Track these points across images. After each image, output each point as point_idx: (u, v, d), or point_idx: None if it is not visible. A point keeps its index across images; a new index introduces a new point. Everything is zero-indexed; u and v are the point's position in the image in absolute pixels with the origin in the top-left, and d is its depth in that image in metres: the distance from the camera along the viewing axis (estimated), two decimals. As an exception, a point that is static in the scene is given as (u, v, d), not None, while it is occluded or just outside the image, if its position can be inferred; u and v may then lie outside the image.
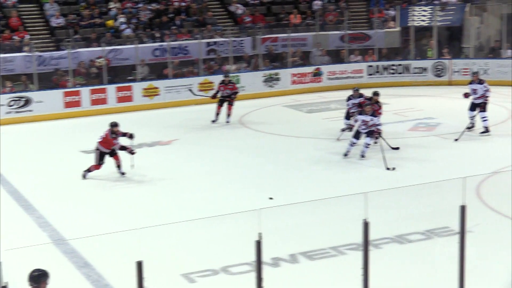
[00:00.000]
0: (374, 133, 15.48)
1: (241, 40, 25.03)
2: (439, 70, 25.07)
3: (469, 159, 15.40)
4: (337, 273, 9.63)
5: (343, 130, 17.16)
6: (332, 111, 21.16)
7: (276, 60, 25.22)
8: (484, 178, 13.32)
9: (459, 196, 6.59)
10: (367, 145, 15.49)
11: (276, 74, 24.21)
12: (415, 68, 25.27)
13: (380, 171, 14.60)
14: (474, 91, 17.62)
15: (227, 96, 19.82)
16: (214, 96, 20.01)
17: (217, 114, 19.80)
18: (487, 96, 17.54)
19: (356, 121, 15.78)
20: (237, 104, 20.08)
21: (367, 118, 15.44)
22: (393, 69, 25.29)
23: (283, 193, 13.12)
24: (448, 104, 21.73)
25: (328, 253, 10.15)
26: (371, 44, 25.98)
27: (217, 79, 22.85)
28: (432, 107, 21.02)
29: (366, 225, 6.42)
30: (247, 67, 24.30)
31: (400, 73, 25.21)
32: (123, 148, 14.65)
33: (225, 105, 19.77)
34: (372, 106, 15.82)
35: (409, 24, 26.10)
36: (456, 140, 16.82)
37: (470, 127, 17.53)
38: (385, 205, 11.27)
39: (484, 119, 17.48)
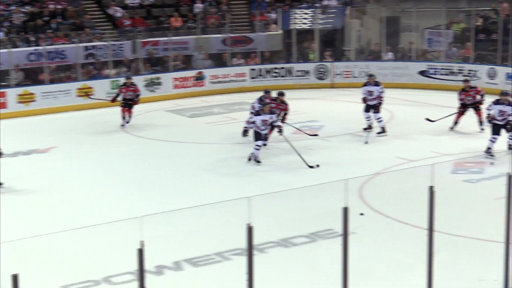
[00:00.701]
0: (270, 133, 15.79)
1: (121, 44, 24.74)
2: (321, 73, 25.58)
3: (352, 160, 15.75)
4: (222, 279, 9.66)
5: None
6: (215, 116, 21.23)
7: (157, 64, 25.07)
8: (367, 179, 13.67)
9: (342, 198, 6.74)
10: (262, 145, 15.62)
11: (158, 78, 24.08)
12: (297, 71, 25.67)
13: (264, 174, 14.75)
14: (370, 93, 18.05)
15: (130, 99, 19.66)
16: (114, 100, 19.77)
17: (123, 117, 19.59)
18: (382, 97, 18.04)
19: (252, 123, 15.75)
20: (117, 109, 19.84)
21: (266, 117, 15.61)
22: (275, 72, 25.61)
23: (166, 200, 13.06)
24: (331, 106, 22.21)
25: (212, 259, 10.17)
26: (253, 47, 26.23)
27: (96, 84, 22.56)
28: (315, 110, 21.41)
29: (250, 229, 6.46)
30: (127, 72, 24.04)
31: (282, 76, 25.56)
32: None
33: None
34: (270, 106, 16.08)
35: (291, 27, 26.49)
36: (366, 143, 17.18)
37: (367, 128, 17.94)
38: (269, 209, 11.41)
39: (379, 120, 17.96)
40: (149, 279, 6.51)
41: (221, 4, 27.93)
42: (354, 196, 12.26)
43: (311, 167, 15.04)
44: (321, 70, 25.61)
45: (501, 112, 15.62)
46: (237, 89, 24.95)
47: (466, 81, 18.65)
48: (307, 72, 25.63)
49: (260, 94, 17.73)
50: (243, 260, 6.65)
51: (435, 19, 25.78)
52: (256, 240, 6.54)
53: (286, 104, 17.26)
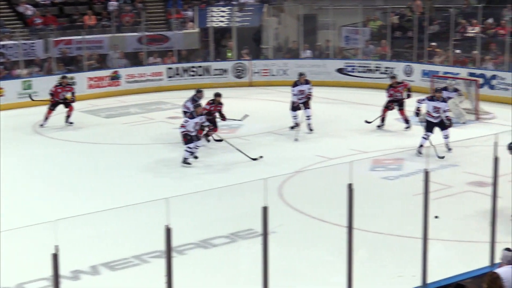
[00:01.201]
0: (200, 133, 15.76)
1: (32, 43, 24.26)
2: (239, 71, 25.65)
3: (272, 159, 15.82)
4: (140, 282, 9.59)
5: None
6: (132, 116, 21.04)
7: (71, 63, 24.67)
8: (286, 178, 13.77)
9: (262, 197, 6.77)
10: (196, 147, 15.57)
11: (72, 78, 23.65)
12: (215, 69, 25.67)
13: (200, 175, 14.71)
14: (302, 92, 18.16)
15: (66, 99, 19.48)
16: (53, 100, 19.51)
17: (46, 118, 19.31)
18: (310, 95, 18.18)
19: (183, 126, 15.62)
20: (30, 110, 19.50)
21: (198, 119, 15.59)
22: (193, 71, 25.55)
23: (82, 203, 12.84)
24: (249, 105, 22.26)
25: (130, 262, 10.09)
26: (170, 45, 26.10)
27: (6, 84, 22.06)
28: (233, 109, 21.39)
29: (168, 231, 6.43)
30: (39, 72, 23.60)
31: (200, 75, 25.52)
32: None
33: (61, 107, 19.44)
34: (201, 107, 16.14)
35: (208, 25, 26.47)
36: (296, 140, 17.39)
37: (294, 127, 18.06)
38: (188, 210, 11.36)
39: (310, 118, 18.14)
40: (64, 284, 6.41)
41: (136, 2, 27.69)
42: (273, 195, 12.34)
43: (254, 159, 15.34)
44: (239, 68, 25.68)
45: (436, 109, 15.83)
46: (154, 88, 24.78)
47: (393, 77, 18.92)
48: (225, 71, 25.66)
49: (176, 93, 17.65)
50: (162, 262, 6.61)
51: (352, 16, 26.17)
52: (175, 242, 6.51)
53: (222, 104, 17.11)
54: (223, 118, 16.96)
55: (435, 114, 15.75)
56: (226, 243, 10.89)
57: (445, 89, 18.10)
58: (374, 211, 11.70)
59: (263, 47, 26.96)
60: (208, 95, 17.65)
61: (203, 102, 17.11)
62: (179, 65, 25.49)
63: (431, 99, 15.99)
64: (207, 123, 16.12)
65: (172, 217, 6.41)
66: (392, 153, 15.73)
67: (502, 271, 7.48)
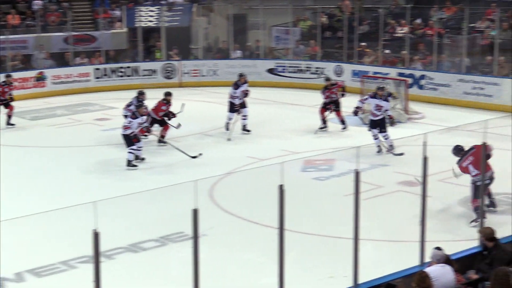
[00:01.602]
0: (142, 133, 15.76)
1: (-47, 43, 23.77)
2: (168, 72, 25.53)
3: (203, 160, 15.78)
4: (68, 288, 9.48)
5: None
6: (58, 118, 20.75)
7: (-6, 64, 24.25)
8: (217, 179, 13.76)
9: (192, 200, 6.73)
10: (138, 148, 15.45)
11: (-5, 79, 23.26)
12: (144, 70, 25.52)
13: (144, 176, 14.58)
14: (243, 93, 18.15)
15: (5, 99, 19.35)
16: (2, 100, 19.30)
17: None
18: (247, 94, 18.20)
19: (127, 128, 15.43)
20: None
21: (140, 120, 15.51)
22: (121, 72, 25.34)
23: (19, 207, 12.45)
24: (179, 106, 22.14)
25: (57, 269, 9.94)
26: (97, 46, 25.83)
27: None
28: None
29: (96, 235, 6.35)
30: (-39, 72, 23.12)
31: (129, 76, 25.33)
32: None
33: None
34: (144, 107, 16.04)
35: (136, 25, 26.28)
36: (228, 139, 17.53)
37: (228, 127, 18.11)
38: (117, 213, 11.24)
39: (246, 118, 18.16)
40: (-12, 292, 6.29)
41: (62, 1, 27.30)
42: (204, 197, 12.31)
43: (194, 157, 15.54)
44: (169, 69, 25.57)
45: (378, 107, 16.03)
46: (81, 89, 24.48)
47: (328, 79, 19.03)
48: (154, 71, 25.52)
49: (104, 94, 17.48)
50: (90, 267, 6.53)
51: (282, 16, 26.35)
52: (103, 247, 6.43)
53: (170, 104, 17.28)
54: (173, 116, 17.16)
55: (377, 112, 16.02)
56: (156, 246, 10.83)
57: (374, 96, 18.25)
58: (305, 212, 11.78)
59: (193, 47, 26.90)
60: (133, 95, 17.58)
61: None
62: (107, 66, 25.25)
63: (373, 96, 16.26)
64: (146, 124, 16.03)
65: (100, 221, 6.33)
66: (323, 154, 15.86)
67: (432, 270, 7.61)
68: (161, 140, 16.99)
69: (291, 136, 18.02)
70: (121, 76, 25.29)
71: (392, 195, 13.25)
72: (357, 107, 16.82)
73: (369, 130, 16.21)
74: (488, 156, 11.21)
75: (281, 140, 17.58)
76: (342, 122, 18.34)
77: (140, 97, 17.36)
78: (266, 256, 9.75)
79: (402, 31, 24.14)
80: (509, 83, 20.62)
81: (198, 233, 6.82)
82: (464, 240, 10.17)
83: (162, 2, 27.51)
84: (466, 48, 22.35)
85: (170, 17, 26.62)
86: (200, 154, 15.87)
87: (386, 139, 15.98)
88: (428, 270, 7.59)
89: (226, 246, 10.70)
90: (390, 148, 15.84)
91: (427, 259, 8.19)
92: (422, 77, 22.34)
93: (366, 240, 9.07)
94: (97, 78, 25.05)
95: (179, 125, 16.79)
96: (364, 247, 8.03)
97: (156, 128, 16.91)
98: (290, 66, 25.36)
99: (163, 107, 17.07)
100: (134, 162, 15.27)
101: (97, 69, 25.12)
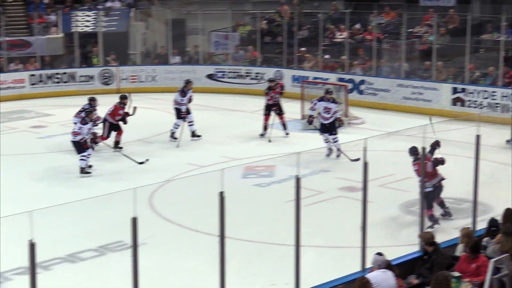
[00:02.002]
0: (92, 140, 15.67)
1: None
2: (106, 78, 25.31)
3: (142, 168, 15.69)
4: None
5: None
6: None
7: None
8: (157, 187, 13.68)
9: (132, 208, 6.69)
10: (88, 156, 15.29)
11: None
12: (81, 76, 25.23)
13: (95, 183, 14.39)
14: (190, 100, 18.18)
15: None
16: None
17: None
18: (191, 100, 18.15)
19: (76, 134, 15.29)
20: None
21: (90, 125, 15.45)
22: (57, 78, 25.02)
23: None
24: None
25: (-8, 281, 9.78)
26: (32, 51, 25.47)
27: None
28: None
29: (32, 246, 6.28)
30: None
31: (65, 82, 25.03)
32: None
33: None
34: (93, 113, 16.10)
35: (72, 30, 25.98)
36: (177, 147, 17.54)
37: (174, 135, 18.07)
38: (55, 223, 11.09)
39: (193, 124, 18.17)
40: None
41: (-5, 5, 26.87)
42: (144, 205, 12.25)
43: (141, 163, 15.71)
44: (106, 75, 25.35)
45: (326, 109, 16.17)
46: (15, 96, 24.07)
47: (270, 81, 19.05)
48: (91, 77, 25.26)
49: (40, 100, 17.24)
50: (26, 279, 6.44)
51: (221, 21, 26.33)
52: (39, 257, 6.36)
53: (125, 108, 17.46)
54: (128, 116, 17.33)
55: (326, 115, 16.18)
56: (95, 256, 10.73)
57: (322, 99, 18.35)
58: (246, 219, 11.79)
59: (131, 53, 26.72)
60: (72, 102, 17.39)
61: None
62: (43, 72, 24.90)
63: (321, 99, 16.40)
64: (94, 130, 15.95)
65: (37, 231, 6.25)
66: (264, 160, 15.90)
67: (373, 276, 7.70)
68: (117, 146, 17.05)
69: (231, 142, 18.04)
70: (58, 82, 24.97)
71: (333, 200, 13.35)
72: (310, 116, 16.87)
73: (321, 134, 16.36)
74: (442, 163, 11.44)
75: (222, 146, 17.58)
76: (284, 126, 18.41)
77: (92, 102, 17.35)
78: (207, 265, 9.73)
79: (341, 36, 24.35)
80: (448, 88, 20.99)
81: (138, 242, 6.79)
82: (404, 245, 10.29)
83: (99, 6, 27.28)
84: (405, 53, 22.66)
85: (107, 22, 26.41)
86: (147, 160, 15.95)
87: (335, 141, 16.17)
88: (369, 275, 7.67)
89: (166, 255, 10.66)
90: (339, 152, 16.01)
91: (369, 264, 8.28)
92: (362, 82, 22.58)
93: (307, 247, 9.11)
94: (33, 84, 24.69)
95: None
96: (305, 254, 8.08)
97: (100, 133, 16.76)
98: (229, 72, 25.36)
99: (120, 111, 17.20)
100: (87, 170, 15.16)
101: (32, 75, 24.75)
